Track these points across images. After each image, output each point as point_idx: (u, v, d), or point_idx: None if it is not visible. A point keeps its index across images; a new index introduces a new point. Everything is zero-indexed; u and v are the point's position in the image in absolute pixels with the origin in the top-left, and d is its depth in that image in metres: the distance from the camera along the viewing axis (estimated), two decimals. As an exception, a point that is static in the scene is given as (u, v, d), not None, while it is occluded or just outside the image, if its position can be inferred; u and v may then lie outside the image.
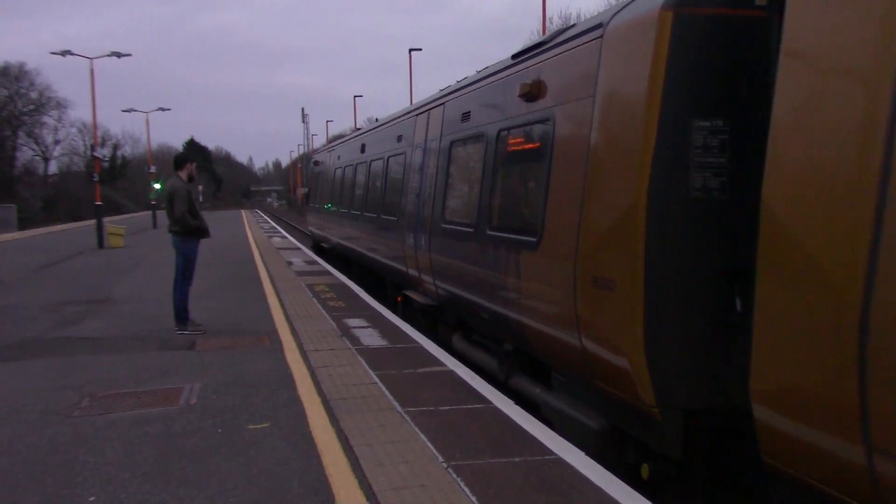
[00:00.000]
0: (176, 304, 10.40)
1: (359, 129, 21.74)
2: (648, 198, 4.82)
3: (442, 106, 10.15)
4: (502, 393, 7.05)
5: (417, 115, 11.60)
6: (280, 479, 5.02)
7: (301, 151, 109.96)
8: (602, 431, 5.72)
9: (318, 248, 24.57)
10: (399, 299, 12.65)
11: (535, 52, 7.10)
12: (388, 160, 13.39)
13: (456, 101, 9.60)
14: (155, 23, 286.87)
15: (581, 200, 5.60)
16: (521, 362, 7.51)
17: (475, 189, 8.27)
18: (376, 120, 17.05)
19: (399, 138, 12.66)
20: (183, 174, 10.47)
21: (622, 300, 4.99)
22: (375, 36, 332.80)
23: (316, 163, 25.97)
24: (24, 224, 56.70)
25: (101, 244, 28.38)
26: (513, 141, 7.42)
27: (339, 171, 19.51)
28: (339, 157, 20.13)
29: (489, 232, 7.63)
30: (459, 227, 8.66)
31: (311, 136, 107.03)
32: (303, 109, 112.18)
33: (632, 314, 4.89)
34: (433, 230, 9.73)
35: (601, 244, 5.33)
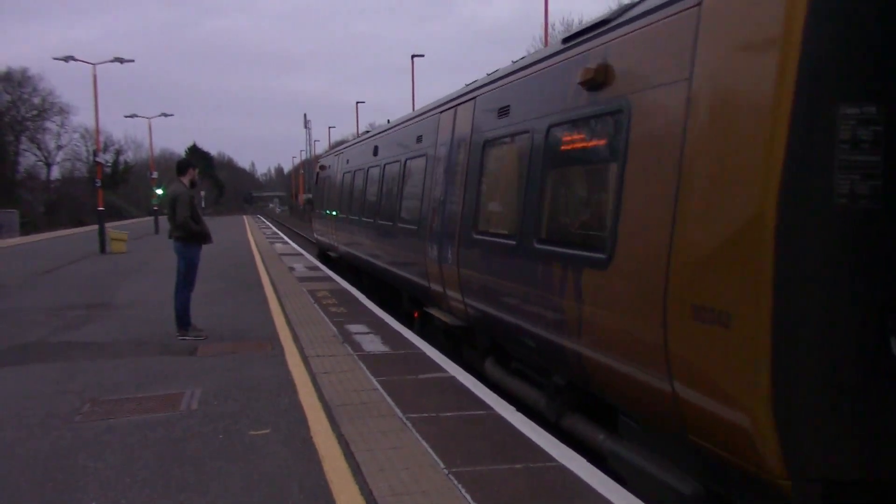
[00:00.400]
0: (177, 310, 10.42)
1: (367, 131, 19.94)
2: (779, 207, 3.74)
3: (472, 101, 8.93)
4: (506, 401, 7.04)
5: (441, 112, 10.26)
6: (281, 484, 5.01)
7: (303, 157, 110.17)
8: (696, 497, 4.68)
9: (325, 256, 23.29)
10: (416, 315, 11.80)
11: (597, 31, 5.89)
12: (405, 163, 12.06)
13: (490, 94, 8.35)
14: (158, 28, 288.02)
15: (673, 209, 4.51)
16: (577, 399, 6.40)
17: (517, 195, 7.11)
18: (388, 122, 15.87)
19: (419, 139, 11.32)
20: (185, 179, 10.53)
21: (741, 338, 3.92)
22: (378, 42, 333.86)
23: (322, 167, 24.34)
24: (26, 229, 56.85)
25: (103, 249, 28.42)
26: (569, 138, 6.22)
27: (347, 176, 18.18)
28: (347, 160, 18.74)
29: (537, 245, 6.47)
30: (497, 239, 7.53)
31: (313, 142, 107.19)
32: (305, 115, 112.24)
33: (754, 357, 3.83)
34: (463, 241, 8.54)
35: (707, 266, 4.20)
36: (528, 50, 49.37)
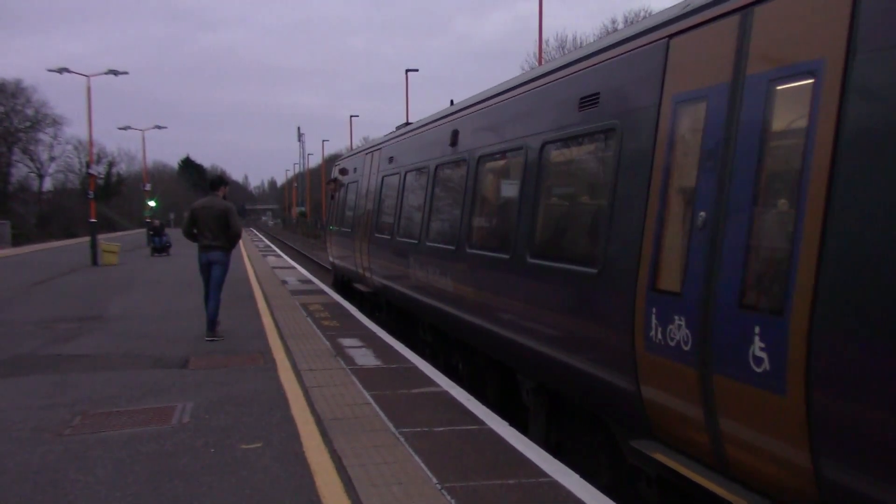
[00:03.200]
0: (210, 314, 11.03)
1: (406, 123, 14.75)
2: None
3: None
4: (497, 414, 7.02)
5: (675, 35, 5.12)
6: (273, 499, 4.97)
7: (297, 170, 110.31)
8: None
9: (344, 286, 18.31)
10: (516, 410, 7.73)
11: None
12: (541, 151, 7.04)
13: None
14: (155, 42, 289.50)
15: None
16: None
17: None
18: (451, 102, 11.51)
19: (586, 101, 6.25)
20: (219, 194, 11.33)
21: None
22: (373, 58, 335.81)
23: (343, 171, 18.87)
24: (17, 240, 56.64)
25: (94, 261, 28.32)
26: None
27: (391, 180, 13.23)
28: (391, 158, 13.57)
29: None
30: None
31: (306, 155, 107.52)
32: (298, 128, 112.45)
33: None
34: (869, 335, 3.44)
35: None
36: (522, 67, 49.64)
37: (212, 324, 11.06)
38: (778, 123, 4.21)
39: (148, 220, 51.27)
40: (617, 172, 5.62)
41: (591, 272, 5.78)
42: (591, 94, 6.22)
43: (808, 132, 3.91)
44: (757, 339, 4.02)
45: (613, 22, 49.36)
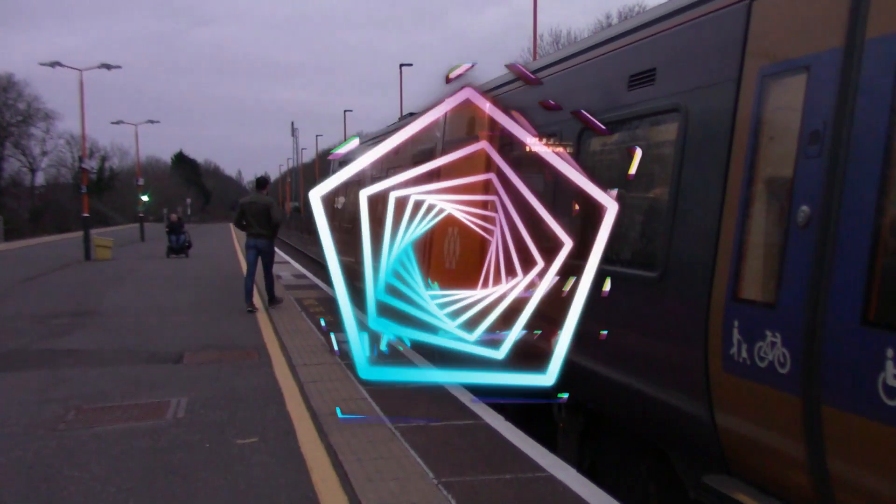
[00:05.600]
0: (247, 288, 13.17)
1: (412, 113, 13.13)
2: None
3: None
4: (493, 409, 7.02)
5: None
6: (268, 494, 4.96)
7: (290, 165, 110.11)
8: None
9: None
10: None
11: None
12: (580, 138, 6.12)
13: None
14: (148, 37, 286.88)
15: None
16: None
17: None
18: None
19: (639, 79, 5.38)
20: (263, 192, 13.26)
21: None
22: (367, 53, 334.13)
23: (343, 164, 14.46)
24: (10, 235, 56.40)
25: (88, 256, 28.20)
26: None
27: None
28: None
29: None
30: None
31: (300, 150, 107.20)
32: (292, 123, 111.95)
33: None
34: None
35: None
36: (517, 62, 49.65)
37: (270, 297, 13.48)
38: None
39: (141, 215, 51.17)
40: (681, 160, 4.74)
41: (648, 276, 4.88)
42: (645, 71, 5.28)
43: None
44: (890, 364, 3.19)
45: (608, 17, 49.43)
